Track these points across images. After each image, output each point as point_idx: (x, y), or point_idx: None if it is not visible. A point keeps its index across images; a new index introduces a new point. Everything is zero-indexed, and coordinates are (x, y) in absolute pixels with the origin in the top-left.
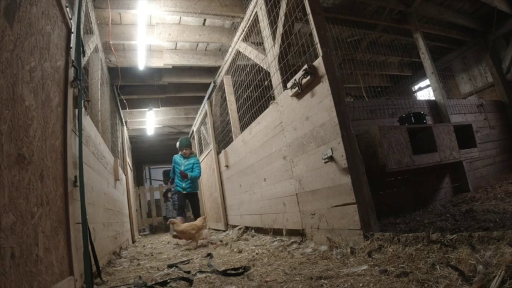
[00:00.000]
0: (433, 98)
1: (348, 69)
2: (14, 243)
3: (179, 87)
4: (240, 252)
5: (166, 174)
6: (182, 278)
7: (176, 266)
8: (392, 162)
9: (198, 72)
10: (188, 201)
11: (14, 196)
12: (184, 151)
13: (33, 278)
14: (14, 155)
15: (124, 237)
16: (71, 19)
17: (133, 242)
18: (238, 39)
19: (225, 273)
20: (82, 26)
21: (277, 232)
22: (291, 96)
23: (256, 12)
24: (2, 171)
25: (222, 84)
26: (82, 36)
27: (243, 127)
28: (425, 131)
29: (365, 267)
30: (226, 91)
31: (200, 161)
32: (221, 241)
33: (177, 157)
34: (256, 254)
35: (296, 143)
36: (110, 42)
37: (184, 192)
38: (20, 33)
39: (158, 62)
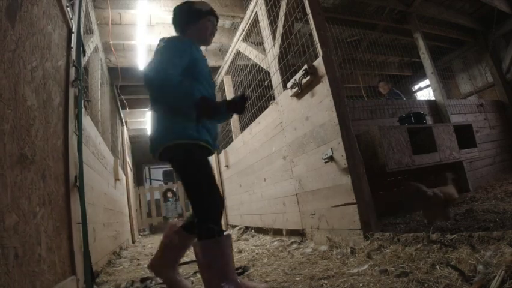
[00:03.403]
0: (433, 98)
1: (348, 69)
2: (17, 243)
3: None
4: (240, 252)
5: (166, 174)
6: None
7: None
8: (392, 162)
9: None
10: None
11: (17, 196)
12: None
13: (36, 277)
14: (16, 154)
15: (124, 237)
16: (71, 19)
17: (133, 242)
18: (238, 39)
19: None
20: (82, 26)
21: (277, 232)
22: (291, 96)
23: (256, 12)
24: (4, 171)
25: (222, 84)
26: (82, 36)
27: (243, 127)
28: (425, 131)
29: (365, 267)
30: (226, 91)
31: None
32: None
33: (194, 48)
34: (256, 254)
35: (296, 143)
36: (110, 42)
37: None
38: (21, 33)
39: None
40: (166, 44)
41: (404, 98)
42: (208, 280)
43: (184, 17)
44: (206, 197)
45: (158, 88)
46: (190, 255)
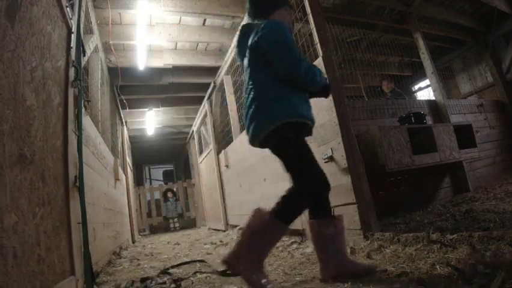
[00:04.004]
0: (433, 98)
1: (348, 69)
2: (16, 243)
3: (179, 87)
4: None
5: (166, 174)
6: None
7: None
8: (392, 162)
9: (197, 72)
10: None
11: (16, 196)
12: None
13: (36, 277)
14: (15, 154)
15: (124, 237)
16: (71, 19)
17: (133, 242)
18: None
19: (225, 273)
20: (82, 26)
21: None
22: None
23: None
24: (3, 171)
25: (222, 84)
26: (82, 36)
27: (243, 127)
28: (425, 131)
29: None
30: (226, 91)
31: (200, 161)
32: (221, 241)
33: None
34: None
35: None
36: (110, 42)
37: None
38: (21, 33)
39: (158, 62)
40: (281, 27)
41: (406, 97)
42: (324, 259)
43: (268, 3)
44: (314, 170)
45: (306, 76)
46: (190, 255)
